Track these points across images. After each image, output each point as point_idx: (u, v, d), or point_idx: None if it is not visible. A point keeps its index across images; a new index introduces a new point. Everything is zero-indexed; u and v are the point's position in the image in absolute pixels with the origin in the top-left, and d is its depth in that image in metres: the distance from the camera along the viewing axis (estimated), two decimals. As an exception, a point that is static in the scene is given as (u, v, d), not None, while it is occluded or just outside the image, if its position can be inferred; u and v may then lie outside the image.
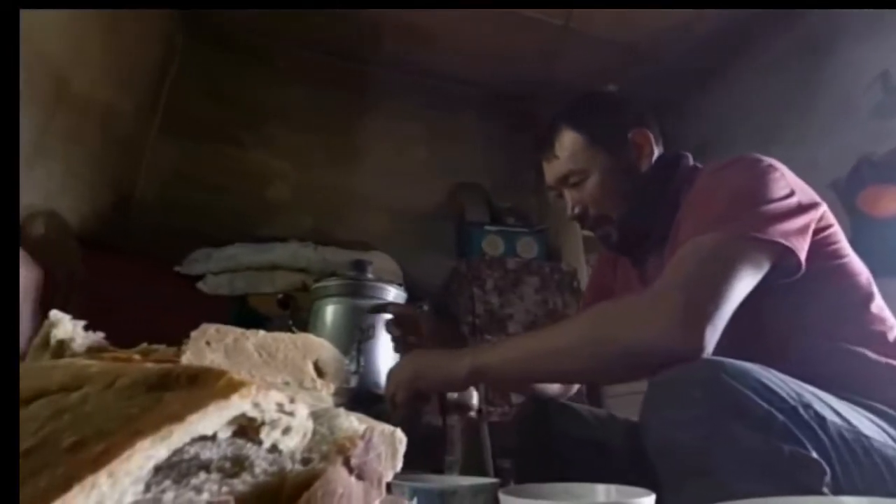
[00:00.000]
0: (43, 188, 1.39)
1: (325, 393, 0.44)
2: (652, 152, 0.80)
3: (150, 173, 2.02)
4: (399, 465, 0.24)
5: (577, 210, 0.81)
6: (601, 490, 0.47)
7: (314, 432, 0.23)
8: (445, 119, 2.50)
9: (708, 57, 2.10)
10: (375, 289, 0.99)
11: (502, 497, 0.41)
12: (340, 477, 0.19)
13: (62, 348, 0.31)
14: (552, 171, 0.83)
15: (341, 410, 0.26)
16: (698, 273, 0.57)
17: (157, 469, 0.17)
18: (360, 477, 0.20)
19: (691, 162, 0.81)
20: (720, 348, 0.54)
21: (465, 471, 0.83)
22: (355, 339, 0.89)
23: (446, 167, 2.43)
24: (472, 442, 0.86)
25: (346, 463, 0.20)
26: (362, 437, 0.22)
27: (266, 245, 1.78)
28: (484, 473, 0.82)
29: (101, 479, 0.16)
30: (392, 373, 0.73)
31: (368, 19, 2.07)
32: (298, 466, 0.20)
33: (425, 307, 1.06)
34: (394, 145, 2.40)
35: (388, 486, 0.23)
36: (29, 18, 1.28)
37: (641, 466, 0.55)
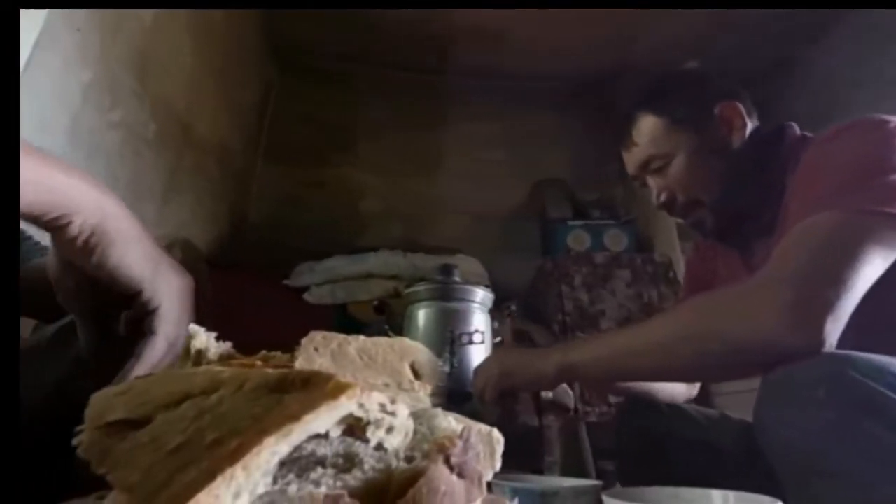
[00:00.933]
0: (177, 219, 1.58)
1: (423, 394, 0.46)
2: (744, 126, 0.72)
3: (260, 198, 2.22)
4: (498, 464, 0.24)
5: (663, 197, 0.76)
6: (717, 497, 0.43)
7: (415, 432, 0.23)
8: (522, 117, 2.47)
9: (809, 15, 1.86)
10: (463, 291, 1.00)
11: (606, 500, 0.39)
12: (443, 475, 0.19)
13: (200, 357, 0.35)
14: (632, 159, 0.78)
15: (439, 410, 0.27)
16: (814, 258, 0.50)
17: (282, 464, 0.19)
18: (460, 475, 0.20)
19: (798, 131, 0.71)
20: (844, 341, 0.48)
21: (565, 472, 0.81)
22: (447, 341, 0.91)
23: (526, 165, 2.39)
24: (571, 442, 0.84)
25: (447, 462, 0.20)
26: (460, 436, 0.22)
27: (361, 256, 1.87)
28: (584, 475, 0.80)
29: (238, 471, 0.18)
30: (479, 370, 0.73)
31: (439, 29, 2.11)
32: (403, 464, 0.21)
33: (513, 308, 1.05)
34: (473, 149, 2.42)
35: (489, 485, 0.23)
36: (157, 73, 1.47)
37: (756, 469, 0.51)
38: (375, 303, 1.62)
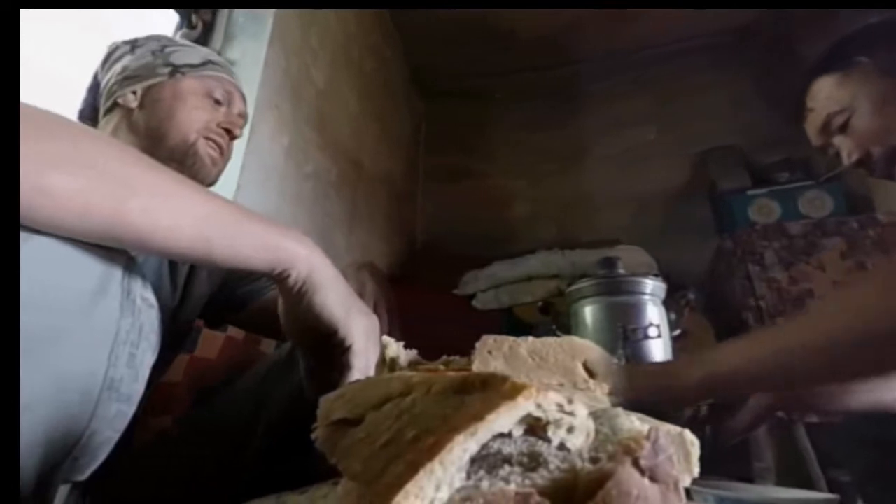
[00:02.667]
0: (361, 245, 1.80)
1: (600, 393, 0.44)
2: None
3: (424, 216, 2.39)
4: (695, 469, 0.22)
5: (855, 156, 0.63)
6: None
7: (597, 432, 0.23)
8: (670, 86, 2.22)
9: None
10: (629, 283, 0.94)
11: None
12: (633, 478, 0.18)
13: (393, 364, 0.39)
14: (812, 127, 0.67)
15: (620, 410, 0.26)
16: None
17: (473, 461, 0.20)
18: (653, 479, 0.19)
19: None
20: None
21: (783, 480, 0.69)
22: (619, 337, 0.86)
23: (683, 138, 2.14)
24: (787, 447, 0.71)
25: (636, 464, 0.19)
26: (647, 437, 0.21)
27: (520, 259, 1.88)
28: (808, 485, 0.67)
29: (436, 466, 0.19)
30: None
31: (567, 19, 2.02)
32: (588, 465, 0.21)
33: (690, 296, 0.94)
34: (619, 132, 2.25)
35: (687, 492, 0.21)
36: (332, 126, 1.70)
37: None
38: (539, 304, 1.61)
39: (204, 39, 1.35)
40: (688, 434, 0.23)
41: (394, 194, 2.15)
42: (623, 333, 0.83)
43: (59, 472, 0.33)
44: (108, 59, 0.71)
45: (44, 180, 0.31)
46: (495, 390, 0.23)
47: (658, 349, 0.85)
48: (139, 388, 0.37)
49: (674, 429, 0.23)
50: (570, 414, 0.22)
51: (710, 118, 2.11)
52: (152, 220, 0.35)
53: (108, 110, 0.69)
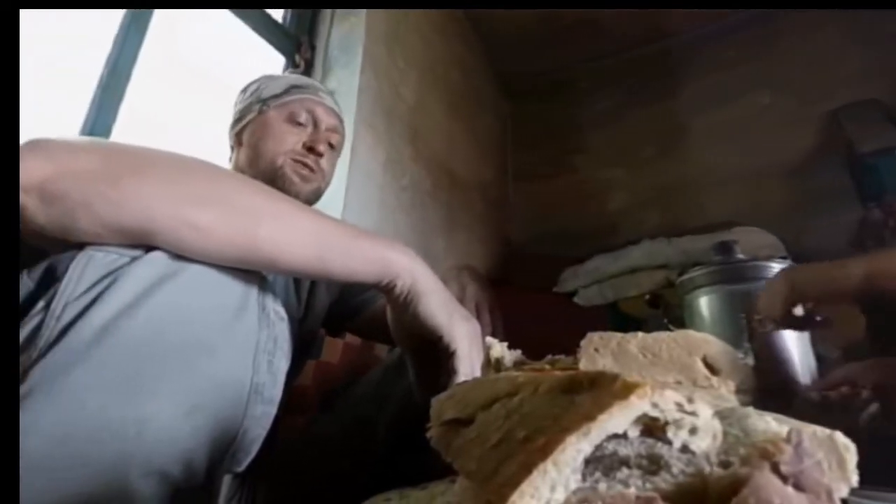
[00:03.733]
0: (459, 250, 1.83)
1: (725, 391, 0.40)
2: None
3: (518, 217, 2.37)
4: (853, 477, 0.19)
5: None
6: None
7: (725, 434, 0.21)
8: (782, 43, 1.94)
9: None
10: (750, 269, 0.84)
11: None
12: (773, 485, 0.16)
13: (499, 364, 0.39)
14: None
15: (751, 410, 0.23)
16: None
17: (587, 462, 0.19)
18: (797, 487, 0.16)
19: None
20: None
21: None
22: (743, 329, 0.77)
23: (805, 99, 1.85)
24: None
25: (776, 470, 0.17)
26: (787, 439, 0.18)
27: (621, 251, 1.78)
28: None
29: (549, 466, 0.19)
30: (766, 286, 0.61)
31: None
32: (718, 470, 0.19)
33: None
34: (722, 104, 2.02)
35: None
36: (424, 138, 1.75)
37: None
38: (647, 297, 1.51)
39: (308, 75, 1.48)
40: (840, 437, 0.19)
41: (487, 198, 2.16)
42: (747, 325, 0.75)
43: (223, 465, 0.38)
44: (234, 106, 0.81)
45: (194, 217, 0.36)
46: (605, 389, 0.22)
47: (792, 341, 0.75)
48: (278, 391, 0.41)
49: (821, 430, 0.20)
50: (692, 414, 0.20)
51: (837, 68, 1.81)
52: (277, 244, 0.39)
53: (231, 150, 0.79)
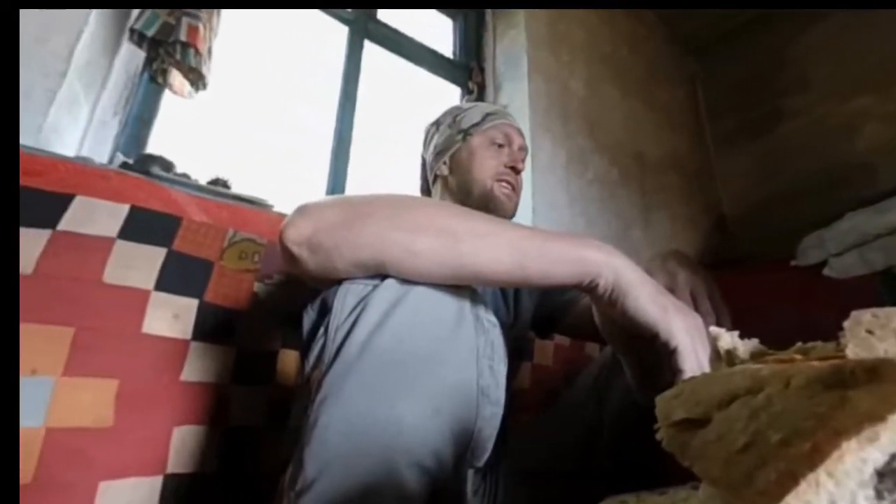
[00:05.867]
0: (660, 236, 1.66)
1: None
2: None
3: (727, 187, 2.03)
4: None
5: None
6: None
7: None
8: None
9: None
10: None
11: None
12: None
13: (731, 357, 0.34)
14: None
15: None
16: None
17: (880, 475, 0.15)
18: None
19: None
20: None
21: None
22: None
23: None
24: None
25: None
26: None
27: (884, 203, 1.35)
28: None
29: (822, 477, 0.16)
30: None
31: None
32: None
33: None
34: None
35: None
36: (602, 127, 1.66)
37: None
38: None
39: (481, 97, 1.57)
40: None
41: (685, 174, 1.91)
42: None
43: (465, 460, 0.42)
44: (425, 141, 0.91)
45: (413, 245, 0.42)
46: (891, 381, 0.17)
47: None
48: (502, 393, 0.44)
49: None
50: None
51: None
52: (479, 258, 0.43)
53: (434, 181, 0.87)
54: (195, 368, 0.63)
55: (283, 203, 0.84)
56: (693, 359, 0.41)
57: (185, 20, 0.90)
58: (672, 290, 0.50)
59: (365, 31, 1.40)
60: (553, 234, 0.45)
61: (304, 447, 0.38)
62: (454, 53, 1.66)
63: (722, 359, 0.36)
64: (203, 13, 0.93)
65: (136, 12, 0.91)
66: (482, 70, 1.63)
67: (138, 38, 0.90)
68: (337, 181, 1.19)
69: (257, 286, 0.72)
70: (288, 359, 0.72)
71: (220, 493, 0.61)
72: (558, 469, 0.68)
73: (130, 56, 0.97)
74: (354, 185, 1.21)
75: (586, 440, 0.66)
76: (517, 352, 0.82)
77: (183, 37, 0.89)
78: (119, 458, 0.55)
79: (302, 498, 0.36)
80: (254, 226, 0.75)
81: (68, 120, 0.81)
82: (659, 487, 0.38)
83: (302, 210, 0.45)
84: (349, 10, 1.38)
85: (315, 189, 1.18)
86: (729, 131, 2.03)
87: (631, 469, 0.60)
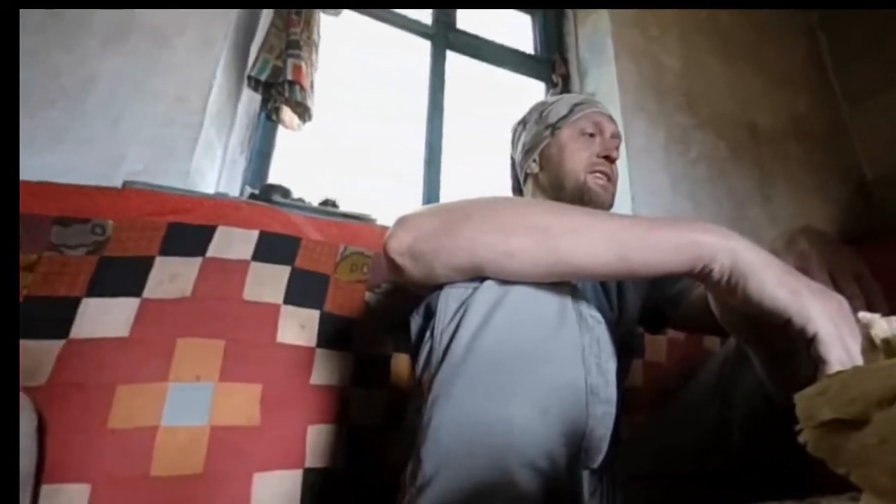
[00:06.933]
0: (785, 212, 1.47)
1: None
2: None
3: (867, 148, 1.72)
4: None
5: None
6: None
7: None
8: None
9: None
10: None
11: None
12: None
13: (890, 347, 0.29)
14: None
15: None
16: None
17: None
18: None
19: None
20: None
21: None
22: None
23: None
24: None
25: None
26: None
27: None
28: None
29: None
30: None
31: None
32: None
33: None
34: None
35: None
36: (703, 101, 1.51)
37: None
38: None
39: (566, 88, 1.51)
40: None
41: (807, 138, 1.66)
42: None
43: (579, 461, 0.41)
44: (513, 140, 0.90)
45: (508, 246, 0.42)
46: None
47: None
48: (612, 391, 0.42)
49: None
50: None
51: None
52: (576, 253, 0.41)
53: (524, 180, 0.86)
54: (321, 373, 0.70)
55: (386, 216, 0.90)
56: (839, 347, 0.35)
57: (290, 61, 1.00)
58: (805, 271, 0.44)
59: (446, 41, 1.43)
60: (657, 220, 0.42)
61: (420, 446, 0.40)
62: (535, 49, 1.63)
63: (878, 349, 0.31)
64: (304, 51, 1.02)
65: (251, 61, 1.03)
66: (565, 61, 1.57)
67: (255, 83, 1.03)
68: (431, 190, 1.24)
69: (368, 295, 0.77)
70: (400, 362, 0.76)
71: (350, 488, 0.66)
72: (676, 471, 0.63)
73: (249, 100, 1.10)
74: (448, 193, 1.24)
75: (709, 441, 0.61)
76: (626, 349, 0.78)
77: (289, 76, 0.99)
78: (267, 453, 0.63)
79: (422, 494, 0.38)
80: (361, 240, 0.80)
81: (207, 162, 0.94)
82: (801, 494, 0.33)
83: (401, 221, 0.47)
84: (429, 24, 1.43)
85: (412, 200, 1.23)
86: (863, 83, 1.72)
87: (764, 472, 0.54)
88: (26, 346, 0.58)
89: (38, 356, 0.59)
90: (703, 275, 0.41)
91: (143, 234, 0.68)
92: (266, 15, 1.11)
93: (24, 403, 0.53)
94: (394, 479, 0.50)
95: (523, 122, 0.87)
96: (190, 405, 0.61)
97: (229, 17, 1.00)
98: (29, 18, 0.85)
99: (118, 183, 0.75)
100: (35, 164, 0.73)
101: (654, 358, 0.97)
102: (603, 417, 0.41)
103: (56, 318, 0.61)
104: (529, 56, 1.59)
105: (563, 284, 0.43)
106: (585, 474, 0.64)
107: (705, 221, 0.42)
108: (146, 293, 0.65)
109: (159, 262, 0.67)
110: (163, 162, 0.86)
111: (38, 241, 0.64)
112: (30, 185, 0.65)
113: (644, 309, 0.78)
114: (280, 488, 0.62)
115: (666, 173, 1.35)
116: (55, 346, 0.60)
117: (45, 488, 0.53)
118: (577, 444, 0.40)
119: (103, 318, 0.62)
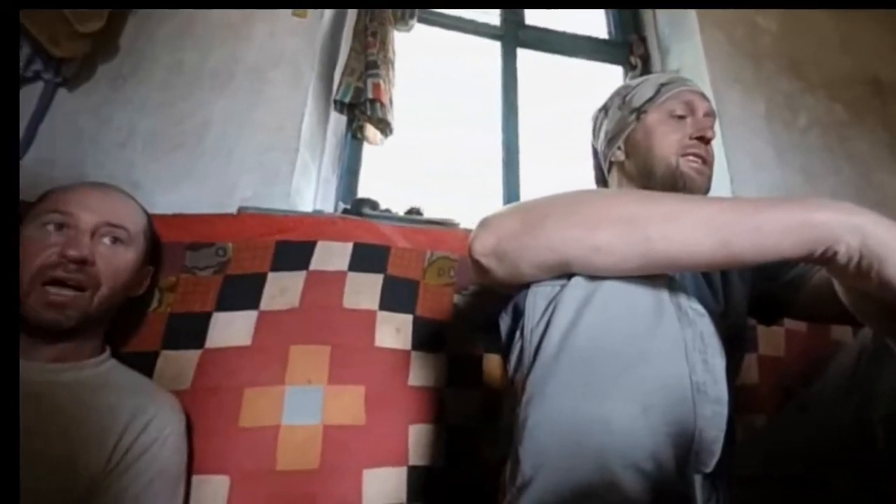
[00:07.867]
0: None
1: None
2: None
3: None
4: None
5: None
6: None
7: None
8: None
9: None
10: None
11: None
12: None
13: None
14: None
15: None
16: None
17: None
18: None
19: None
20: None
21: None
22: None
23: None
24: None
25: None
26: None
27: None
28: None
29: None
30: None
31: None
32: None
33: None
34: None
35: None
36: (810, 62, 1.33)
37: None
38: None
39: (647, 69, 1.42)
40: None
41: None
42: None
43: (689, 464, 0.38)
44: (595, 129, 0.85)
45: (594, 241, 0.41)
46: None
47: None
48: (721, 389, 0.39)
49: None
50: None
51: None
52: (671, 242, 0.39)
53: (609, 169, 0.82)
54: (418, 374, 0.73)
55: (469, 220, 0.91)
56: None
57: (369, 80, 1.06)
58: None
59: (515, 39, 1.41)
60: (765, 200, 0.38)
61: (517, 445, 0.40)
62: (609, 33, 1.55)
63: None
64: (381, 69, 1.08)
65: (335, 86, 1.11)
66: (643, 40, 1.48)
67: (339, 105, 1.10)
68: (511, 190, 1.23)
69: (456, 298, 0.79)
70: (491, 363, 0.77)
71: (451, 486, 0.68)
72: (789, 473, 0.56)
73: (336, 122, 1.18)
74: (529, 192, 1.23)
75: (840, 443, 0.53)
76: (736, 343, 0.71)
77: (370, 95, 1.04)
78: (373, 451, 0.67)
79: (523, 494, 0.38)
80: (447, 244, 0.82)
81: (304, 183, 1.03)
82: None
83: (484, 223, 0.48)
84: (498, 25, 1.42)
85: (493, 201, 1.23)
86: None
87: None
88: (173, 355, 0.68)
89: (181, 364, 0.68)
90: (825, 259, 0.36)
91: (257, 253, 0.76)
92: (346, 41, 1.19)
93: (175, 405, 0.61)
94: (492, 478, 0.50)
95: (605, 109, 0.82)
96: (305, 406, 0.67)
97: (314, 49, 1.08)
98: (154, 76, 0.99)
99: (233, 209, 0.84)
100: (164, 201, 0.84)
101: (770, 352, 0.87)
102: (713, 418, 0.38)
103: (193, 331, 0.70)
104: (604, 41, 1.51)
105: (659, 277, 0.41)
106: (698, 479, 0.60)
107: (821, 196, 0.37)
108: (262, 306, 0.72)
109: (271, 277, 0.74)
110: (268, 186, 0.95)
111: (176, 265, 0.74)
112: (165, 218, 0.75)
113: (754, 298, 0.70)
114: (387, 485, 0.66)
115: (770, 146, 1.21)
116: (195, 355, 0.68)
117: (196, 478, 0.61)
118: (686, 445, 0.38)
119: (229, 329, 0.70)
